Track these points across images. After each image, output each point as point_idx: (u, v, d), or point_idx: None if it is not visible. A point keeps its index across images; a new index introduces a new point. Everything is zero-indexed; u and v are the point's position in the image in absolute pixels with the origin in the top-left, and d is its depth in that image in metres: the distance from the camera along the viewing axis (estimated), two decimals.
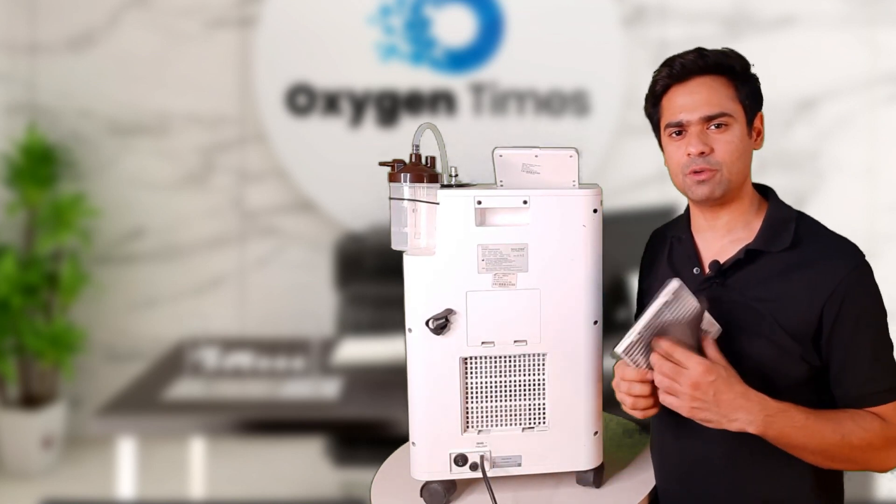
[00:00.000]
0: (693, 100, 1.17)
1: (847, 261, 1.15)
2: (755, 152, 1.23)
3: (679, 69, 1.18)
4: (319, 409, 2.52)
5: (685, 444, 1.23)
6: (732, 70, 1.19)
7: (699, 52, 1.19)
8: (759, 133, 1.22)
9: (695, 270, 1.23)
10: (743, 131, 1.19)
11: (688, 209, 1.30)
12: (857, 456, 1.12)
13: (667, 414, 1.13)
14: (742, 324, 1.16)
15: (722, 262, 1.20)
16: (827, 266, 1.14)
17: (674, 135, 1.20)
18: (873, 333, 1.15)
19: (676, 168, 1.21)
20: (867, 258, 1.17)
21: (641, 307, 1.33)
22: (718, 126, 1.17)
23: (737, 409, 1.07)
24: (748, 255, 1.18)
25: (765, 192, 1.26)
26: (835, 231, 1.20)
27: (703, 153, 1.16)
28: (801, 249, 1.16)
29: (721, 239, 1.22)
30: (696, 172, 1.17)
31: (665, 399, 1.10)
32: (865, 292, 1.15)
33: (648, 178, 3.72)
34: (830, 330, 1.14)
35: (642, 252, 1.40)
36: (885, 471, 1.16)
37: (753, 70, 1.21)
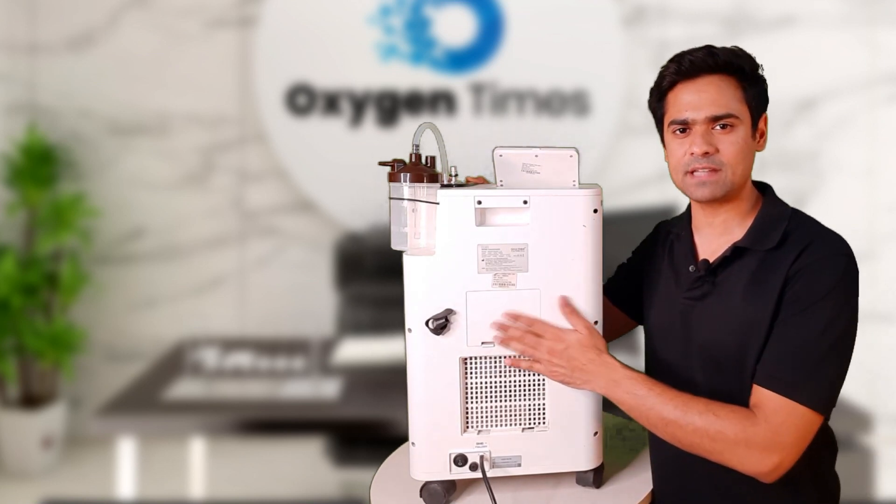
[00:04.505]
0: (700, 98, 1.16)
1: (819, 248, 1.13)
2: (756, 153, 1.22)
3: (688, 66, 1.17)
4: (319, 409, 2.51)
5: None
6: (741, 70, 1.18)
7: (709, 49, 1.17)
8: (763, 135, 1.22)
9: (690, 268, 1.24)
10: (747, 133, 1.18)
11: (689, 206, 1.30)
12: (707, 444, 1.08)
13: None
14: (725, 320, 1.16)
15: (711, 260, 1.21)
16: (801, 256, 1.12)
17: (678, 132, 1.19)
18: (815, 323, 1.08)
19: (677, 165, 1.20)
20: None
21: (618, 281, 1.41)
22: (724, 126, 1.16)
23: (586, 371, 1.17)
24: (735, 253, 1.18)
25: (764, 189, 1.26)
26: (828, 227, 1.18)
27: (707, 153, 1.15)
28: (786, 247, 1.15)
29: (718, 238, 1.23)
30: (696, 172, 1.17)
31: (531, 366, 1.20)
32: (823, 279, 1.10)
33: (648, 178, 3.72)
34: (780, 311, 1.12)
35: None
36: (753, 473, 1.08)
37: (761, 71, 1.20)
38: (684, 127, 1.18)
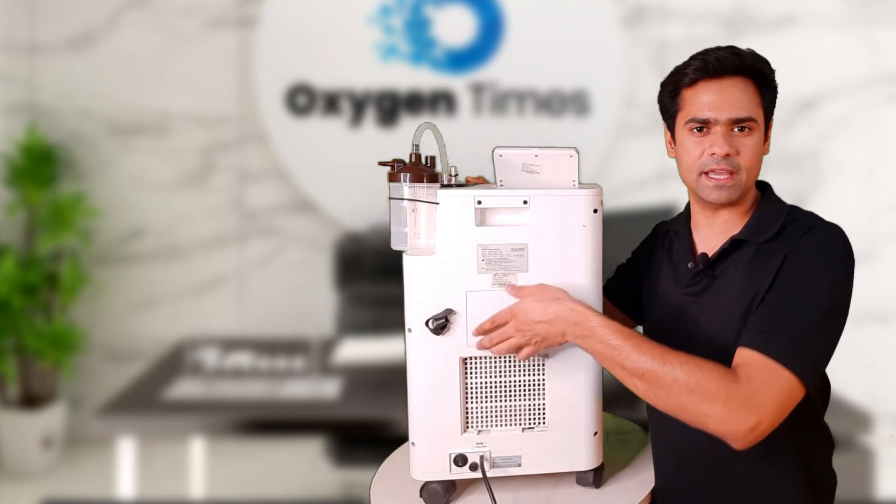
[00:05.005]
0: (723, 99, 1.16)
1: (817, 233, 1.14)
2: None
3: (715, 65, 1.17)
4: (319, 409, 2.51)
5: (675, 438, 1.24)
6: (762, 74, 1.18)
7: (733, 50, 1.17)
8: (768, 139, 1.23)
9: (689, 265, 1.24)
10: (761, 137, 1.19)
11: (688, 205, 1.31)
12: (684, 397, 1.03)
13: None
14: (725, 311, 1.16)
15: (710, 255, 1.22)
16: (799, 240, 1.13)
17: (695, 130, 1.19)
18: (807, 295, 1.09)
19: (691, 165, 1.20)
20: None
21: (618, 281, 1.42)
22: (742, 129, 1.16)
23: (554, 324, 1.12)
24: (733, 245, 1.19)
25: (763, 188, 1.27)
26: (826, 220, 1.18)
27: (728, 155, 1.16)
28: (783, 236, 1.16)
29: (717, 236, 1.23)
30: (712, 174, 1.17)
31: (520, 354, 1.17)
32: (819, 257, 1.11)
33: (648, 178, 3.72)
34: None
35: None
36: (727, 434, 1.03)
37: (775, 77, 1.21)
38: (702, 126, 1.18)
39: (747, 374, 1.04)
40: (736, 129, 1.17)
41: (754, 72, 1.18)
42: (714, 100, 1.16)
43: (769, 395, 1.03)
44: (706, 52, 1.19)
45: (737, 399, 1.02)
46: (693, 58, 1.19)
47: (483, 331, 1.18)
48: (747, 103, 1.16)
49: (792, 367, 1.04)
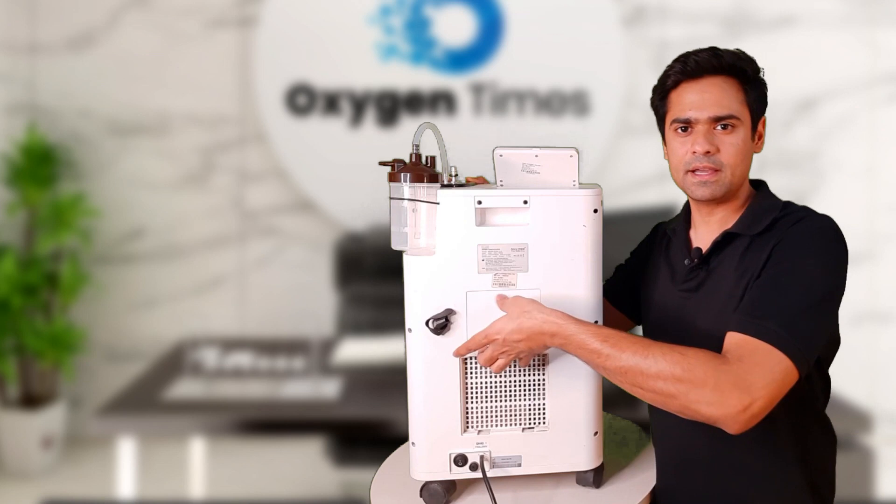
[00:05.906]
0: (703, 98, 1.18)
1: (809, 222, 1.14)
2: (755, 154, 1.24)
3: (693, 66, 1.19)
4: (319, 409, 2.52)
5: (676, 438, 1.24)
6: (744, 73, 1.20)
7: (713, 51, 1.19)
8: (761, 137, 1.24)
9: (685, 262, 1.25)
10: (747, 134, 1.20)
11: (687, 204, 1.32)
12: (672, 386, 1.01)
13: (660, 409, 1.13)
14: (720, 304, 1.17)
15: (704, 250, 1.23)
16: (790, 229, 1.14)
17: (679, 130, 1.21)
18: (799, 278, 1.09)
19: (678, 164, 1.22)
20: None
21: (616, 282, 1.42)
22: (725, 127, 1.18)
23: (533, 339, 1.11)
24: (726, 238, 1.20)
25: (758, 185, 1.28)
26: (816, 211, 1.18)
27: (708, 152, 1.17)
28: (775, 229, 1.16)
29: (713, 234, 1.24)
30: (697, 171, 1.19)
31: (519, 363, 1.18)
32: (810, 242, 1.12)
33: (648, 178, 3.72)
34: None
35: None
36: (719, 417, 1.00)
37: (762, 74, 1.22)
38: (686, 126, 1.20)
39: (738, 356, 1.03)
40: (718, 127, 1.18)
41: (735, 70, 1.19)
42: (695, 100, 1.18)
43: (761, 376, 1.01)
44: (687, 54, 1.21)
45: (727, 381, 1.00)
46: (675, 60, 1.22)
47: (460, 355, 1.17)
48: (729, 101, 1.18)
49: (784, 349, 1.03)
